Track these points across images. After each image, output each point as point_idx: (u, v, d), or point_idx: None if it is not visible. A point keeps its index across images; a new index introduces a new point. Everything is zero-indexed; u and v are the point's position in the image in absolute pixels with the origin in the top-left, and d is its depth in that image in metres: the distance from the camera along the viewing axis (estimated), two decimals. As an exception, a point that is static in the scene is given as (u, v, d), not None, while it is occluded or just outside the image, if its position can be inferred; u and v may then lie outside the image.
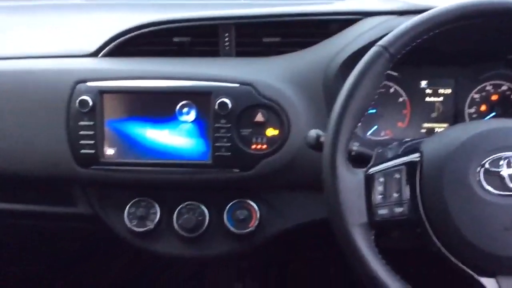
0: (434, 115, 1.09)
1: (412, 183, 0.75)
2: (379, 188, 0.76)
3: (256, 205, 1.02)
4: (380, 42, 0.78)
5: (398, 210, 0.75)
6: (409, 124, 1.09)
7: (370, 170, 0.77)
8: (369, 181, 0.76)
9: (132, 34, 1.03)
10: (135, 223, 1.02)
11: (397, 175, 0.76)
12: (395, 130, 1.09)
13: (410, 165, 0.76)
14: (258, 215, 1.02)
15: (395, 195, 0.75)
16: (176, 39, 1.03)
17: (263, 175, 0.99)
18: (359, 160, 0.84)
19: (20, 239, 1.17)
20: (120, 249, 1.14)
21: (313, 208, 1.02)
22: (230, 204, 1.02)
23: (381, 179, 0.76)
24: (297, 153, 0.98)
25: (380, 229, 0.78)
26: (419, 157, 0.75)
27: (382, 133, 1.09)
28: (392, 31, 0.78)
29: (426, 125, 1.09)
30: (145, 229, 1.01)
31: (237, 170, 0.98)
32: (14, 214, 1.06)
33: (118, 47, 1.03)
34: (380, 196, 0.75)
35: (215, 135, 0.96)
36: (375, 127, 1.08)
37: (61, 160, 0.98)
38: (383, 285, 0.74)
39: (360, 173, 0.77)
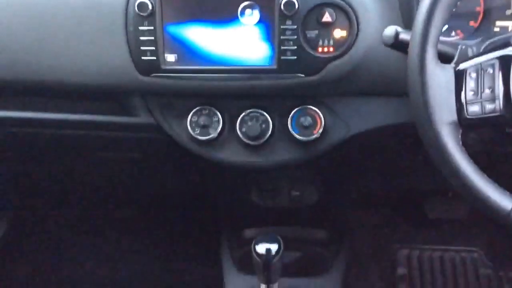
0: (509, 12, 1.02)
1: (506, 78, 0.70)
2: (470, 84, 0.71)
3: (321, 111, 0.99)
4: None
5: (490, 106, 0.71)
6: (481, 23, 1.02)
7: (461, 65, 0.73)
8: (460, 76, 0.72)
9: None
10: (198, 131, 1.00)
11: (490, 70, 0.71)
12: (466, 29, 1.02)
13: (504, 59, 0.71)
14: (322, 122, 0.99)
15: (487, 91, 0.71)
16: None
17: (329, 80, 0.95)
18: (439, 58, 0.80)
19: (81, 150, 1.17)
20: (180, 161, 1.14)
21: (379, 115, 1.00)
22: (294, 111, 0.99)
23: (473, 75, 0.72)
24: (365, 56, 0.93)
25: (469, 129, 0.74)
26: None
27: (453, 33, 1.03)
28: None
29: (499, 23, 1.02)
30: (208, 137, 0.99)
31: (302, 75, 0.94)
32: (76, 125, 1.04)
33: None
34: (472, 93, 0.71)
35: (281, 37, 0.92)
36: (446, 26, 1.02)
37: (122, 69, 0.95)
38: (472, 184, 0.72)
39: (449, 68, 0.72)
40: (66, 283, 1.57)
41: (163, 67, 0.94)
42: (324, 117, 0.99)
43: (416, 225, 1.65)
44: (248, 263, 1.08)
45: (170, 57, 0.95)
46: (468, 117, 0.72)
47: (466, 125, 0.73)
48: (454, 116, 0.72)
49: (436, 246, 1.64)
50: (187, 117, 1.00)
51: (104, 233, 1.64)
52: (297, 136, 0.99)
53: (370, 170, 1.24)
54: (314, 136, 0.99)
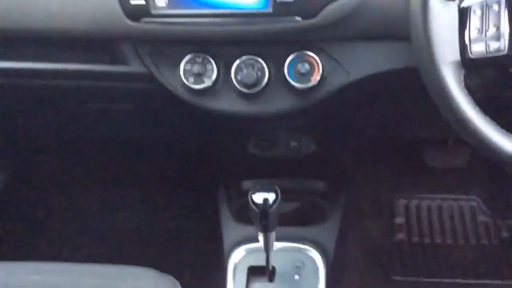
0: None
1: None
2: (475, 21, 0.68)
3: (319, 57, 0.96)
4: None
5: (495, 45, 0.68)
6: None
7: (465, 2, 0.69)
8: (464, 14, 0.69)
9: None
10: (191, 80, 0.96)
11: (495, 7, 0.68)
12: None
13: None
14: (320, 69, 0.96)
15: (493, 29, 0.68)
16: None
17: (327, 23, 0.91)
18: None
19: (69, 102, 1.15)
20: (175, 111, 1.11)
21: (379, 60, 0.96)
22: (291, 57, 0.96)
23: (478, 12, 0.68)
24: None
25: (472, 69, 0.72)
26: None
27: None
28: None
29: None
30: (202, 86, 0.96)
31: (299, 19, 0.90)
32: (66, 74, 1.01)
33: None
34: (476, 31, 0.68)
35: None
36: None
37: (109, 14, 0.90)
38: (474, 126, 0.70)
39: (453, 6, 0.69)
40: (63, 233, 1.58)
41: (153, 11, 0.90)
42: (322, 64, 0.96)
43: (415, 174, 1.64)
44: (245, 214, 1.07)
45: (161, 2, 0.90)
46: (471, 57, 0.69)
47: (469, 66, 0.70)
48: (457, 56, 0.69)
49: (435, 195, 1.64)
50: (180, 65, 0.97)
51: (101, 183, 1.64)
52: (294, 84, 0.96)
53: (369, 119, 1.21)
54: (311, 84, 0.96)
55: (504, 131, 0.71)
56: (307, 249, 1.13)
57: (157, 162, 1.60)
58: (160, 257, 1.28)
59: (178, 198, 1.61)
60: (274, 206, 0.95)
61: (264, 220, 0.97)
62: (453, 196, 1.63)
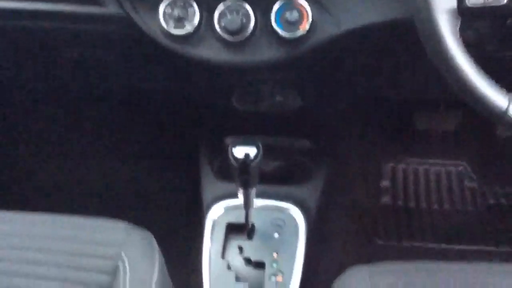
0: None
1: None
2: (474, -34, 0.63)
3: (308, 4, 0.90)
4: None
5: (496, -7, 0.63)
6: None
7: None
8: None
9: None
10: (172, 25, 0.90)
11: None
12: None
13: None
14: (310, 17, 0.90)
15: None
16: None
17: None
18: None
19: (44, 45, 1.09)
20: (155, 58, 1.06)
21: (372, 10, 0.90)
22: (278, 3, 0.90)
23: None
24: None
25: (468, 19, 0.67)
26: None
27: None
28: None
29: None
30: (184, 31, 0.90)
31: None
32: (40, 15, 0.95)
33: None
34: (475, -23, 0.63)
35: None
36: None
37: None
38: (467, 78, 0.66)
39: None
40: (37, 185, 1.54)
41: None
42: (311, 12, 0.90)
43: (404, 138, 1.61)
44: (227, 171, 1.03)
45: None
46: (468, 5, 0.64)
47: (465, 15, 0.65)
48: (453, 3, 0.64)
49: (423, 160, 1.61)
50: (160, 8, 0.90)
51: (80, 136, 1.58)
52: (281, 33, 0.91)
53: (358, 76, 1.16)
54: (300, 33, 0.91)
55: (497, 85, 0.67)
56: (288, 208, 1.10)
57: (138, 116, 1.54)
58: (136, 211, 1.24)
59: (158, 153, 1.56)
60: (255, 161, 0.91)
61: (244, 175, 0.93)
62: (441, 161, 1.60)
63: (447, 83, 0.72)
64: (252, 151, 0.92)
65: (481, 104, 0.68)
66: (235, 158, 0.91)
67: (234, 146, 0.93)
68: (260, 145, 0.93)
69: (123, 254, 0.88)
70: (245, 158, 0.91)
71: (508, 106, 0.67)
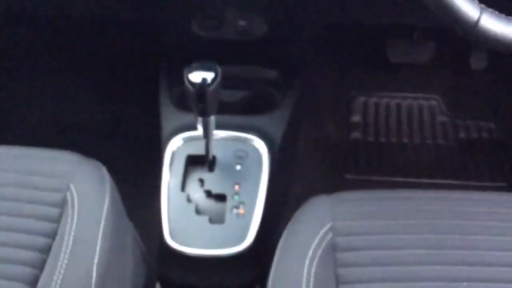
0: None
1: None
2: None
3: None
4: None
5: None
6: None
7: None
8: None
9: None
10: None
11: None
12: None
13: None
14: None
15: None
16: None
17: None
18: None
19: None
20: None
21: None
22: None
23: None
24: None
25: None
26: None
27: None
28: None
29: None
30: None
31: None
32: None
33: None
34: None
35: None
36: None
37: None
38: None
39: None
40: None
41: None
42: None
43: (376, 70, 1.55)
44: (187, 102, 0.97)
45: None
46: None
47: None
48: None
49: (395, 93, 1.57)
50: None
51: (37, 63, 1.49)
52: None
53: (328, 1, 1.09)
54: None
55: None
56: (251, 139, 1.04)
57: (94, 42, 1.45)
58: (91, 144, 1.17)
59: (116, 83, 1.48)
60: (213, 86, 0.85)
61: (201, 102, 0.87)
62: (413, 95, 1.56)
63: (421, 3, 0.67)
64: (209, 75, 0.86)
65: (450, 15, 0.62)
66: (192, 83, 0.85)
67: (191, 71, 0.86)
68: (219, 70, 0.86)
69: (71, 186, 0.83)
70: (202, 83, 0.85)
71: (479, 17, 0.62)
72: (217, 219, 0.97)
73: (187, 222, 0.97)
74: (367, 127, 1.53)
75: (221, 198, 0.99)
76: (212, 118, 0.91)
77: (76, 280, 0.73)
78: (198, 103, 0.87)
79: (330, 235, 0.79)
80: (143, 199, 1.05)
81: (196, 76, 0.85)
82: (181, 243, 0.94)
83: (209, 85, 0.85)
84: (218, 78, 0.85)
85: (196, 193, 1.00)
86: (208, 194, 1.00)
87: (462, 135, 1.52)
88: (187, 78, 0.85)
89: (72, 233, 0.77)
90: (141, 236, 0.98)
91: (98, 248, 0.76)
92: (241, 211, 0.98)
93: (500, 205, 0.83)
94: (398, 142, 1.51)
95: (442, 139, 1.51)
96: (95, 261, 0.75)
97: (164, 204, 0.98)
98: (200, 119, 0.91)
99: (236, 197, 0.99)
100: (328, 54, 1.49)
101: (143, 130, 1.35)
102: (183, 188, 1.00)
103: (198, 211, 0.98)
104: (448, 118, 1.53)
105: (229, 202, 0.98)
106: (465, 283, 0.74)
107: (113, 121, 1.48)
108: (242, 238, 0.95)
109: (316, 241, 0.78)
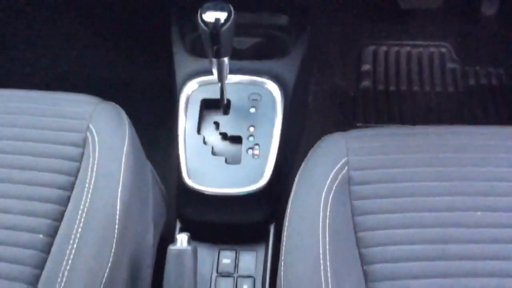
0: None
1: None
2: None
3: None
4: None
5: None
6: None
7: None
8: None
9: None
10: None
11: None
12: None
13: None
14: None
15: None
16: None
17: None
18: None
19: None
20: None
21: None
22: None
23: None
24: None
25: None
26: None
27: None
28: None
29: None
30: None
31: None
32: None
33: None
34: None
35: None
36: None
37: None
38: None
39: None
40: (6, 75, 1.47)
41: None
42: None
43: (386, 19, 1.54)
44: (200, 48, 0.98)
45: None
46: None
47: None
48: None
49: (405, 42, 1.56)
50: None
51: (53, 15, 1.50)
52: None
53: None
54: None
55: None
56: (264, 82, 1.05)
57: None
58: (108, 87, 1.19)
59: (129, 31, 1.48)
60: (227, 26, 0.86)
61: (215, 42, 0.88)
62: (423, 43, 1.55)
63: None
64: (222, 15, 0.87)
65: None
66: (205, 23, 0.86)
67: (204, 11, 0.87)
68: (232, 9, 0.87)
69: (91, 126, 0.85)
70: (216, 22, 0.86)
71: None
72: (233, 160, 0.99)
73: (204, 163, 0.99)
74: (377, 76, 1.53)
75: (236, 140, 1.01)
76: (226, 60, 0.92)
77: (101, 210, 0.76)
78: (213, 43, 0.88)
79: (345, 169, 0.81)
80: (160, 143, 1.07)
81: (209, 16, 0.86)
82: (199, 183, 0.97)
83: (223, 24, 0.85)
84: (232, 17, 0.86)
85: (212, 135, 1.02)
86: (224, 136, 1.02)
87: (471, 81, 1.52)
88: (201, 18, 0.86)
89: (95, 169, 0.79)
90: (159, 178, 1.00)
91: (121, 182, 0.78)
92: (256, 152, 1.00)
93: (509, 138, 0.84)
94: (408, 90, 1.51)
95: (451, 86, 1.51)
96: (119, 194, 0.77)
97: (181, 146, 1.00)
98: (214, 61, 0.92)
99: (251, 138, 1.01)
100: (338, 2, 1.48)
101: (158, 78, 1.36)
102: (199, 131, 1.02)
103: (214, 153, 1.00)
104: (458, 65, 1.53)
105: (245, 144, 1.01)
106: (479, 213, 0.77)
107: (126, 68, 1.49)
108: (258, 178, 0.97)
109: (332, 174, 0.80)
